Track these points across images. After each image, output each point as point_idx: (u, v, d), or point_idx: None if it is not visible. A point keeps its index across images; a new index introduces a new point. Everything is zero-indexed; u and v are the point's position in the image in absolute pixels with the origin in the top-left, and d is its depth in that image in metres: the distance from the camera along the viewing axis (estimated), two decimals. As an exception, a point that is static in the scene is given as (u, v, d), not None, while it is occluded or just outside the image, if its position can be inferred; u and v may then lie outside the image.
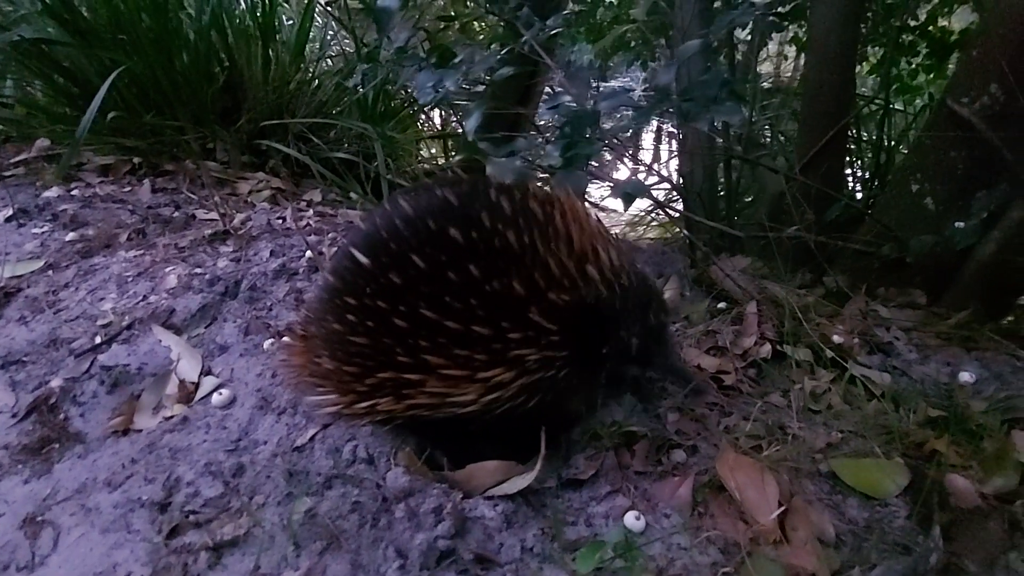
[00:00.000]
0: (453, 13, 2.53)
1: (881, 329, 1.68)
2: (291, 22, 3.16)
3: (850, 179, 2.85)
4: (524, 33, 2.12)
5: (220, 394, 1.24)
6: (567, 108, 1.64)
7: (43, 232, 1.88)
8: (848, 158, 2.54)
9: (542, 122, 2.53)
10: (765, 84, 3.97)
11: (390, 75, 2.76)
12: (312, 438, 1.10)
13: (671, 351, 1.19)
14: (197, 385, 1.32)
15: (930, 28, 3.22)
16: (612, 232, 1.16)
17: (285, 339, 1.31)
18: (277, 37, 2.85)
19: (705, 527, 0.94)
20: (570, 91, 1.74)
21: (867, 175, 2.54)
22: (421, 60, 2.04)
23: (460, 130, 3.55)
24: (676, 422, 1.16)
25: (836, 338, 1.57)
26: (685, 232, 1.91)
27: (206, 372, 1.37)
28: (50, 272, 1.72)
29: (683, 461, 1.08)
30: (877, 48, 3.44)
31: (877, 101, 2.74)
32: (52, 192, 2.11)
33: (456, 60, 1.93)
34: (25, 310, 1.59)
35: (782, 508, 0.94)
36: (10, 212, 1.93)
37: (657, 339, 1.13)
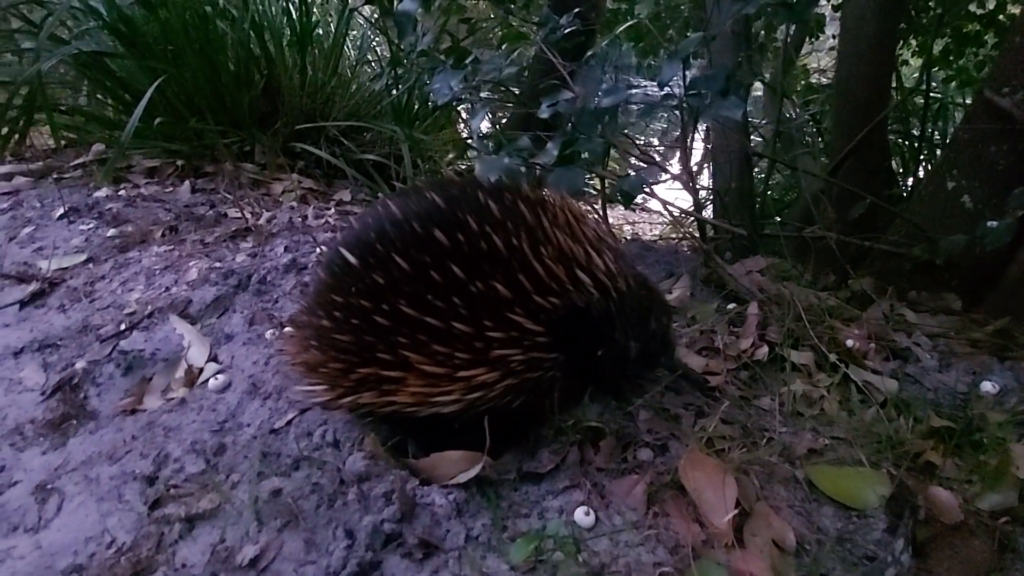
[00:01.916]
0: (473, 16, 2.57)
1: (902, 334, 1.58)
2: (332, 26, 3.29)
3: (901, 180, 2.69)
4: (547, 30, 2.14)
5: (216, 379, 1.32)
6: (567, 106, 1.64)
7: (88, 228, 2.05)
8: (890, 156, 2.39)
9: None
10: (812, 80, 3.79)
11: (417, 79, 2.83)
12: (289, 422, 1.15)
13: (675, 354, 1.18)
14: (201, 370, 1.41)
15: (1000, 16, 2.98)
16: (610, 236, 1.15)
17: (285, 330, 1.38)
18: (313, 44, 2.98)
19: (657, 526, 0.92)
20: (574, 88, 1.73)
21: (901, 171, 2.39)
22: (440, 62, 2.09)
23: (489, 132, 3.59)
24: (648, 420, 1.13)
25: (850, 342, 1.50)
26: (689, 232, 1.86)
27: (212, 359, 1.45)
28: (90, 265, 1.88)
29: (649, 460, 1.06)
30: (940, 39, 3.22)
31: (935, 94, 2.58)
32: (102, 192, 2.30)
33: (467, 61, 1.97)
34: (65, 299, 1.74)
35: (736, 511, 0.90)
36: (62, 210, 2.11)
37: (662, 342, 1.13)
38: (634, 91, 1.61)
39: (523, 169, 1.55)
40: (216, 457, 1.12)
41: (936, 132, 2.48)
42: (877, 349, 1.50)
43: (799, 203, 2.56)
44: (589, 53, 2.04)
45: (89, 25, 2.61)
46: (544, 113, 1.64)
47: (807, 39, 3.55)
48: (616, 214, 4.74)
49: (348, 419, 1.14)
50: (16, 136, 2.60)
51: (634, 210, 3.72)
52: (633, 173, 1.63)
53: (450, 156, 2.45)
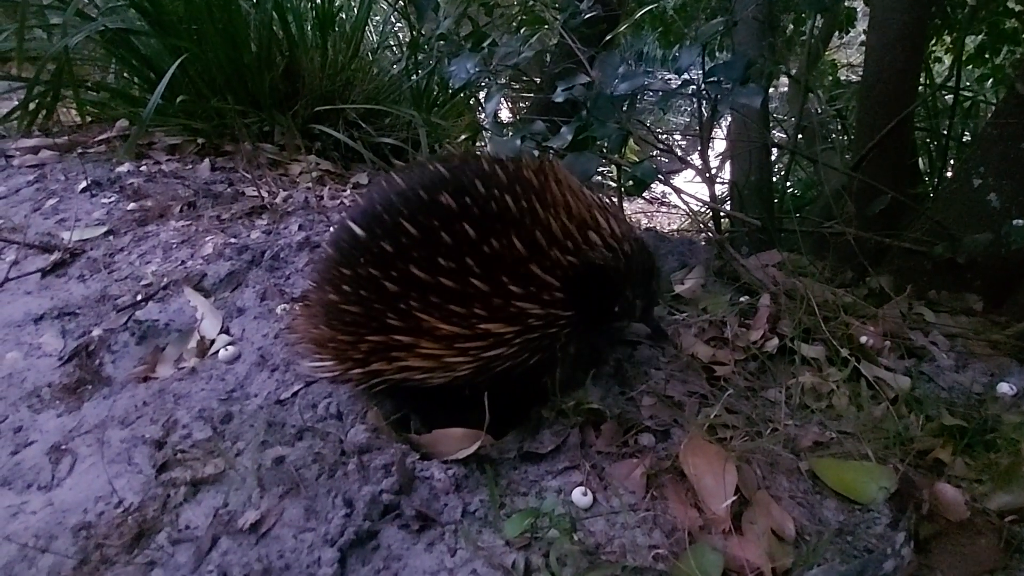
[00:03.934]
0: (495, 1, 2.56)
1: (919, 333, 1.55)
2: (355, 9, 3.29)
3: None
4: (567, 15, 2.11)
5: (227, 350, 1.35)
6: (582, 91, 1.62)
7: (110, 202, 2.09)
8: (916, 153, 2.33)
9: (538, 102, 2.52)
10: (841, 75, 3.71)
11: (437, 63, 2.83)
12: (295, 394, 1.17)
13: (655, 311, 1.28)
14: (212, 342, 1.44)
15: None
16: (610, 204, 1.17)
17: (294, 308, 1.40)
18: (335, 27, 2.99)
19: (655, 510, 0.92)
20: (591, 74, 1.72)
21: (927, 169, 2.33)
22: (459, 46, 2.08)
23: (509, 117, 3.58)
24: (650, 407, 1.13)
25: (864, 339, 1.47)
26: (703, 223, 1.83)
27: (224, 331, 1.48)
28: (111, 237, 1.92)
29: (651, 445, 1.06)
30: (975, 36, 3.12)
31: (967, 92, 2.50)
32: (124, 167, 2.34)
33: (484, 45, 1.96)
34: (85, 269, 1.78)
35: (735, 498, 0.89)
36: (85, 184, 2.16)
37: (653, 301, 1.21)
38: (652, 79, 1.59)
39: (536, 153, 1.54)
40: (223, 425, 1.14)
41: (966, 131, 2.41)
42: (892, 347, 1.47)
43: (821, 198, 2.51)
44: (607, 38, 2.01)
45: (117, 2, 2.65)
46: (559, 97, 1.63)
47: (837, 33, 3.47)
48: (636, 207, 4.71)
49: (352, 393, 1.15)
50: (44, 111, 2.65)
51: (652, 203, 3.68)
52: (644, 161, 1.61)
53: (462, 139, 2.44)
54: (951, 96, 2.31)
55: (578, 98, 1.60)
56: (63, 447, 1.20)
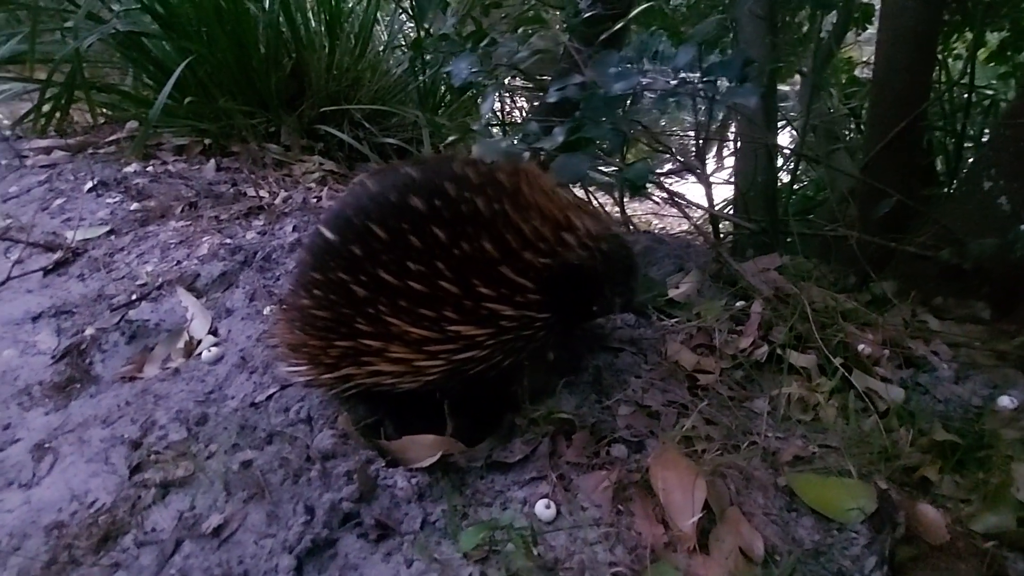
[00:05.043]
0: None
1: (919, 342, 1.49)
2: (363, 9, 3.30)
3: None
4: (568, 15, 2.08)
5: (210, 351, 1.36)
6: (575, 90, 1.60)
7: (114, 202, 2.13)
8: (929, 154, 2.25)
9: (536, 104, 2.49)
10: (857, 73, 3.60)
11: (442, 64, 2.82)
12: (269, 397, 1.17)
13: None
14: (200, 342, 1.45)
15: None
16: (584, 202, 1.17)
17: (274, 311, 1.40)
18: (342, 28, 3.00)
19: (619, 525, 0.90)
20: (586, 73, 1.69)
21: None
22: (460, 46, 2.07)
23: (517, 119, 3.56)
24: (626, 416, 1.10)
25: (862, 347, 1.42)
26: (696, 226, 1.79)
27: (212, 332, 1.49)
28: (112, 237, 1.95)
29: (623, 457, 1.03)
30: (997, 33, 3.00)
31: (987, 91, 2.40)
32: (131, 168, 2.38)
33: (483, 44, 1.94)
34: (85, 268, 1.81)
35: (702, 514, 0.86)
36: (91, 184, 2.20)
37: (633, 294, 1.21)
38: (649, 79, 1.56)
39: (526, 154, 1.52)
40: (198, 427, 1.14)
41: (985, 131, 2.31)
42: (891, 356, 1.42)
43: (830, 201, 2.44)
44: (603, 37, 1.98)
45: (131, 6, 2.70)
46: (551, 97, 1.60)
47: (854, 31, 3.37)
48: (647, 208, 4.65)
49: (325, 398, 1.14)
50: (58, 113, 2.72)
51: (661, 204, 3.63)
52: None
53: (451, 139, 2.43)
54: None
55: (571, 98, 1.57)
56: (46, 445, 1.22)
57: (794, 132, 3.32)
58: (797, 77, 3.69)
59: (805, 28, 3.43)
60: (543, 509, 0.91)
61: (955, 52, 2.95)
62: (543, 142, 1.52)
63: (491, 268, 0.96)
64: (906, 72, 1.95)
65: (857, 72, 3.53)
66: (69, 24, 2.50)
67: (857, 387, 1.22)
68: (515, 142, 1.57)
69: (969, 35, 2.73)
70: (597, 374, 1.19)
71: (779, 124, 3.02)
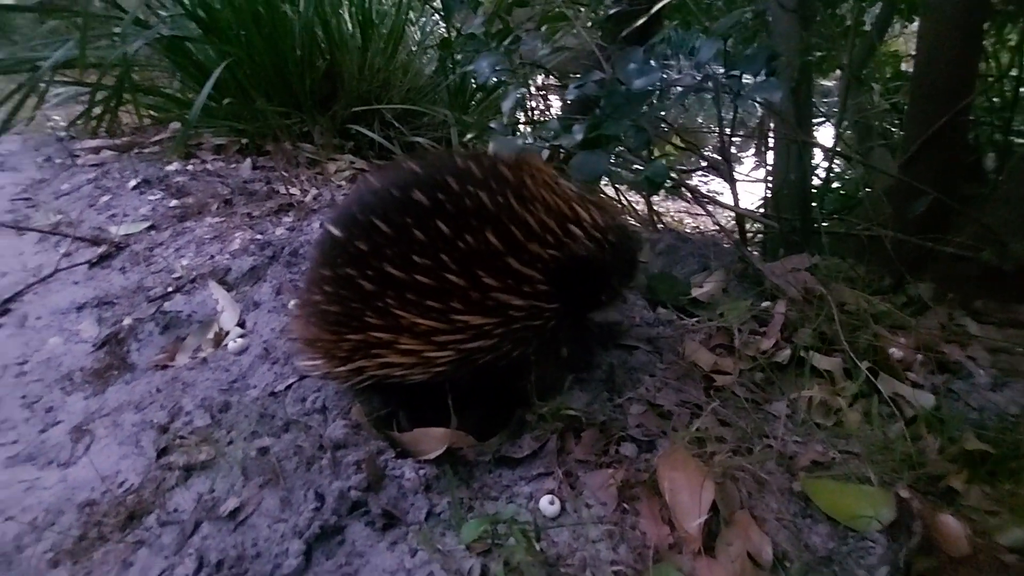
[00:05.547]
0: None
1: (955, 346, 1.42)
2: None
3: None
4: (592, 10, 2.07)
5: (236, 342, 1.41)
6: (595, 87, 1.59)
7: (156, 199, 2.23)
8: (975, 151, 2.14)
9: (568, 101, 2.47)
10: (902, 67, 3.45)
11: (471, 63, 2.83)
12: (288, 387, 1.21)
13: None
14: (228, 333, 1.50)
15: None
16: (591, 192, 1.17)
17: (291, 307, 1.44)
18: (374, 30, 3.06)
19: (624, 524, 0.89)
20: (607, 69, 1.67)
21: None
22: (485, 44, 2.08)
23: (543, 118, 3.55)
24: (639, 415, 1.09)
25: (894, 351, 1.37)
26: (718, 224, 1.75)
27: (240, 324, 1.54)
28: (152, 232, 2.04)
29: (632, 456, 1.02)
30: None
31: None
32: (173, 166, 2.49)
33: (507, 42, 1.95)
34: (127, 262, 1.90)
35: (708, 516, 0.85)
36: (135, 182, 2.31)
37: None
38: (671, 74, 1.54)
39: (545, 152, 1.52)
40: (221, 414, 1.19)
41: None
42: (924, 361, 1.36)
43: (868, 199, 2.35)
44: (624, 33, 1.96)
45: (175, 12, 2.82)
46: (571, 95, 1.60)
47: (901, 23, 3.23)
48: (677, 207, 4.58)
49: (340, 389, 1.17)
50: (107, 115, 2.86)
51: (691, 202, 3.56)
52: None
53: (470, 136, 2.45)
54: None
55: (591, 95, 1.56)
56: (84, 428, 1.28)
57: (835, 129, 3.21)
58: (839, 72, 3.57)
59: (848, 22, 3.31)
60: (547, 505, 0.91)
61: (1009, 43, 2.80)
62: (562, 139, 1.51)
63: (497, 260, 0.97)
64: (949, 65, 1.86)
65: (903, 66, 3.38)
66: (118, 30, 2.63)
67: (883, 392, 1.17)
68: (532, 140, 1.57)
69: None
70: (610, 371, 1.18)
71: (817, 121, 2.93)
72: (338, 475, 0.96)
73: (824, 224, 2.00)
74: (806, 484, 0.96)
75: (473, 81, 3.16)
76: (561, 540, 0.88)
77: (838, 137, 2.05)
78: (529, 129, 2.92)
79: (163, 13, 2.84)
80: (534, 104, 3.83)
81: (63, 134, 2.95)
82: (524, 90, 2.09)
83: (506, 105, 1.80)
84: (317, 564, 0.88)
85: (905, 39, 3.43)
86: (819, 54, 2.98)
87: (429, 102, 3.18)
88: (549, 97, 3.99)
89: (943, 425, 1.12)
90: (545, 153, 1.57)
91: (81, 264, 1.90)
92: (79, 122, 2.85)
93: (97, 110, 2.80)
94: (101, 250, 1.95)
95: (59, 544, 1.00)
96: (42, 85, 2.44)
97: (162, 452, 1.13)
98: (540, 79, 3.35)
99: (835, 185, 2.81)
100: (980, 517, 0.91)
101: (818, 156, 2.55)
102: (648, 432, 1.06)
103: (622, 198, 3.02)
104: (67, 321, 1.66)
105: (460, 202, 0.97)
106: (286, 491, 0.98)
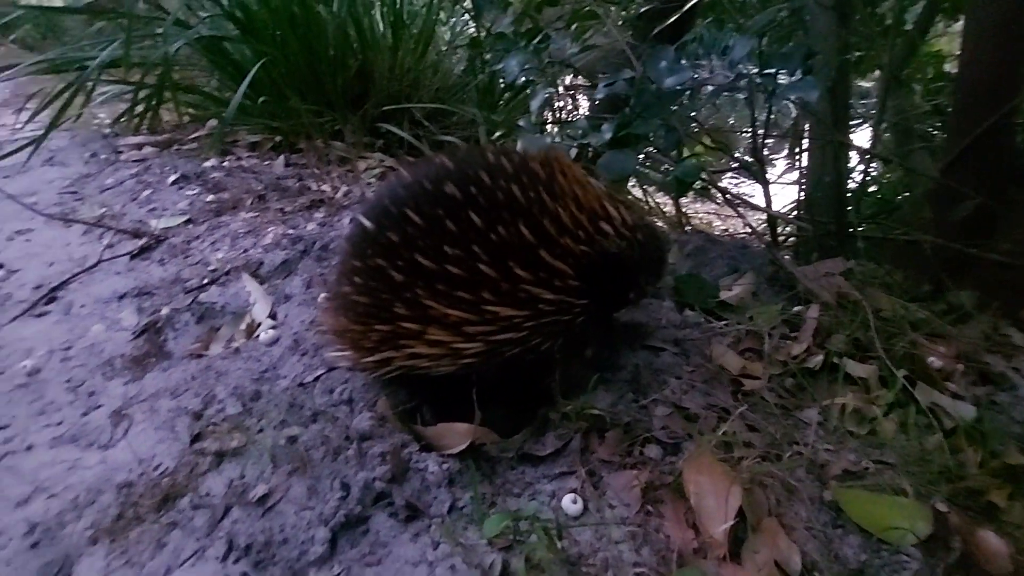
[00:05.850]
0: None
1: (999, 356, 1.37)
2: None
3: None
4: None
5: (267, 333, 1.44)
6: (624, 86, 1.58)
7: (193, 194, 2.29)
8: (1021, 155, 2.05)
9: (596, 100, 2.45)
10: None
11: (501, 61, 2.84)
12: (317, 378, 1.23)
13: None
14: (259, 324, 1.54)
15: None
16: (618, 191, 1.17)
17: (321, 300, 1.47)
18: (405, 30, 3.10)
19: (647, 526, 0.88)
20: (637, 68, 1.66)
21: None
22: (513, 44, 2.09)
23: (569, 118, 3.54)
24: (664, 417, 1.08)
25: (933, 360, 1.33)
26: (749, 226, 1.72)
27: (271, 315, 1.58)
28: (190, 225, 2.10)
29: (657, 458, 1.01)
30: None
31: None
32: (209, 163, 2.56)
33: (536, 41, 1.95)
34: (165, 254, 1.96)
35: (734, 521, 0.83)
36: (174, 177, 2.38)
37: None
38: (702, 73, 1.52)
39: (573, 150, 1.52)
40: (252, 402, 1.22)
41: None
42: (964, 371, 1.32)
43: (907, 203, 2.28)
44: (659, 29, 1.94)
45: (214, 12, 2.90)
46: (601, 92, 1.59)
47: (945, 21, 3.13)
48: (708, 209, 4.51)
49: (367, 381, 1.19)
50: (149, 112, 2.95)
51: (722, 204, 3.51)
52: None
53: (498, 134, 2.45)
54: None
55: (620, 94, 1.56)
56: (123, 412, 1.33)
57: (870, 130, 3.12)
58: (878, 73, 3.47)
59: (888, 21, 3.22)
60: (570, 504, 0.91)
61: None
62: (590, 137, 1.51)
63: (528, 252, 0.98)
64: (994, 66, 1.79)
65: (946, 67, 3.28)
66: (160, 31, 2.72)
67: (920, 402, 1.13)
68: (560, 139, 1.57)
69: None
70: (635, 372, 1.17)
71: (854, 123, 2.85)
72: (363, 466, 0.98)
73: (860, 228, 1.94)
74: (838, 493, 0.94)
75: (502, 80, 3.18)
76: (583, 539, 0.87)
77: (876, 139, 1.99)
78: (557, 128, 2.91)
79: (203, 14, 2.93)
80: (562, 103, 3.83)
81: (108, 131, 3.06)
82: (552, 89, 2.08)
83: (534, 104, 1.80)
84: (341, 552, 0.89)
85: (949, 38, 3.32)
86: (858, 53, 2.91)
87: (458, 101, 3.20)
88: (577, 97, 3.98)
89: (984, 438, 1.08)
90: (573, 152, 1.57)
91: (123, 255, 1.97)
92: (123, 119, 2.95)
93: (140, 108, 2.90)
94: (142, 242, 2.01)
95: (98, 522, 1.03)
96: (89, 84, 2.54)
97: (196, 438, 1.17)
98: (568, 79, 3.35)
99: (872, 188, 2.73)
100: (1022, 535, 0.87)
101: (854, 159, 2.49)
102: (673, 434, 1.05)
103: (649, 199, 2.99)
104: (109, 310, 1.73)
105: (492, 195, 0.98)
106: (313, 479, 1.00)
